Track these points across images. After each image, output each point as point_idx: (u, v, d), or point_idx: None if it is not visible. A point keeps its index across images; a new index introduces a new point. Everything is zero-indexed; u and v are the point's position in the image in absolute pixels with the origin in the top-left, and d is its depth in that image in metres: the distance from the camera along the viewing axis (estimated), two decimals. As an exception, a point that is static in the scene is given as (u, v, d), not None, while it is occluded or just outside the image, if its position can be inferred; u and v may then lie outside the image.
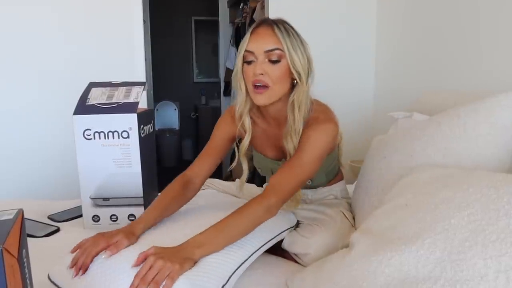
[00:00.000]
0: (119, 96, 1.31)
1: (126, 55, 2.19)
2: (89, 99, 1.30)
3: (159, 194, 1.16)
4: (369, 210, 1.13)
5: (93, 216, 1.31)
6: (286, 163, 1.10)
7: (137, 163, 1.27)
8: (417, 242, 0.74)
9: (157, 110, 5.14)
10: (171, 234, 0.98)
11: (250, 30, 1.09)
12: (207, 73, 5.54)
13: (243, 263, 0.94)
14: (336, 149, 1.30)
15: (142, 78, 2.24)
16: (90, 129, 1.24)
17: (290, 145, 1.11)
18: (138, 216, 1.07)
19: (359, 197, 1.26)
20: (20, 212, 0.71)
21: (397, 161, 1.13)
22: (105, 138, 1.24)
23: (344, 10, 2.46)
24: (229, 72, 3.99)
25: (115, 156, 1.26)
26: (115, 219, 1.31)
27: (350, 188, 1.46)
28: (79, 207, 1.48)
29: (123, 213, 1.30)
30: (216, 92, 5.03)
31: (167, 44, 5.19)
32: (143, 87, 1.36)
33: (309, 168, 1.07)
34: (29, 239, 0.83)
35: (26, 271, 0.70)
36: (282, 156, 1.22)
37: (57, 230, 1.29)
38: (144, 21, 2.25)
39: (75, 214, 1.41)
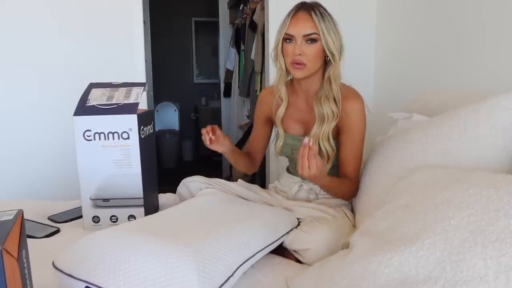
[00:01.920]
0: (119, 97, 1.31)
1: (126, 56, 2.19)
2: (89, 100, 1.30)
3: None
4: (370, 211, 1.13)
5: (93, 217, 1.31)
6: (348, 146, 1.27)
7: (137, 164, 1.27)
8: (417, 242, 0.74)
9: (157, 111, 5.14)
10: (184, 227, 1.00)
11: (290, 14, 1.23)
12: (207, 74, 5.54)
13: (248, 259, 0.95)
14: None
15: (142, 79, 2.23)
16: (90, 130, 1.24)
17: (326, 108, 1.26)
18: (138, 218, 1.11)
19: (360, 197, 1.26)
20: (20, 213, 0.71)
21: (397, 162, 1.13)
22: (105, 139, 1.25)
23: (343, 11, 2.45)
24: (229, 73, 3.99)
25: (115, 157, 1.26)
26: (115, 219, 1.31)
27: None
28: (79, 208, 1.48)
29: (123, 214, 1.30)
30: (216, 93, 5.03)
31: (167, 45, 5.20)
32: (143, 88, 1.37)
33: (362, 146, 1.29)
34: (29, 240, 0.83)
35: (26, 271, 0.70)
36: (303, 132, 1.35)
37: (57, 231, 1.29)
38: (144, 22, 2.25)
39: (75, 215, 1.41)
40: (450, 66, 1.83)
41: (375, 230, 0.88)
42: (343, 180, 1.27)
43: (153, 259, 0.81)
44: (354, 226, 1.24)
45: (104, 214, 1.30)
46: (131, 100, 1.30)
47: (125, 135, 1.25)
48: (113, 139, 1.25)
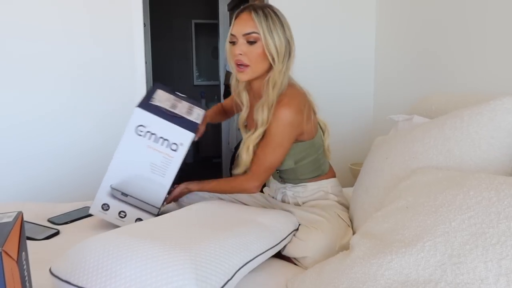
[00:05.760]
0: (182, 109, 1.31)
1: (127, 57, 2.19)
2: (154, 98, 1.29)
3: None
4: (369, 210, 1.13)
5: (104, 204, 1.28)
6: (258, 149, 1.26)
7: (171, 177, 1.27)
8: (418, 245, 0.74)
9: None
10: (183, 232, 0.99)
11: (235, 15, 1.24)
12: (207, 76, 5.54)
13: (248, 262, 0.94)
14: (313, 140, 1.31)
15: (143, 81, 2.24)
16: (145, 127, 1.23)
17: (259, 117, 1.24)
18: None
19: (359, 197, 1.25)
20: (20, 215, 0.71)
21: (399, 163, 1.12)
22: (154, 141, 1.24)
23: (344, 14, 2.47)
24: (229, 75, 3.97)
25: (154, 161, 1.25)
26: (123, 216, 1.29)
27: (350, 190, 1.45)
28: (79, 210, 1.49)
29: (133, 214, 1.29)
30: (216, 95, 5.03)
31: (167, 47, 5.20)
32: (204, 111, 1.38)
33: (273, 154, 1.25)
34: (28, 242, 0.83)
35: (26, 273, 0.70)
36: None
37: (57, 233, 1.29)
38: (145, 24, 2.25)
39: (75, 217, 1.41)
40: (450, 68, 1.83)
41: (375, 232, 0.88)
42: (232, 179, 1.33)
43: (150, 264, 0.80)
44: (349, 225, 1.25)
45: (116, 206, 1.28)
46: (192, 118, 1.29)
47: (174, 147, 1.24)
48: (161, 145, 1.24)
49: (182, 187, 1.37)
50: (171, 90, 1.39)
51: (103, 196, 1.28)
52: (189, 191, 1.38)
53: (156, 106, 1.26)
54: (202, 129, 1.36)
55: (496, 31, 1.57)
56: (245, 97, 1.34)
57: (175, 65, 5.37)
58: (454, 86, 1.80)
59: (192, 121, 1.28)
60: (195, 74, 5.54)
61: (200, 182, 1.37)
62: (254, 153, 1.27)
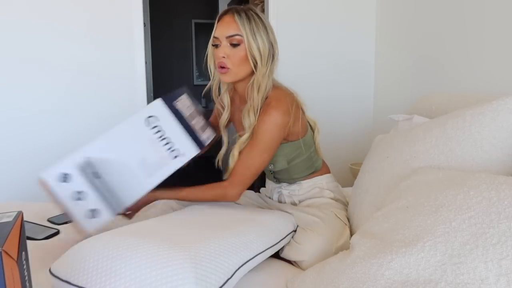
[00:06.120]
0: (197, 124, 1.25)
1: (127, 57, 2.19)
2: (178, 100, 1.22)
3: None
4: (369, 209, 1.13)
5: (65, 174, 1.05)
6: (242, 154, 1.22)
7: (154, 182, 1.15)
8: (418, 244, 0.74)
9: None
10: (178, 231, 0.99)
11: (217, 17, 1.24)
12: (207, 76, 5.52)
13: (248, 261, 0.94)
14: (304, 139, 1.31)
15: (142, 81, 2.24)
16: (158, 120, 1.14)
17: (246, 122, 1.23)
18: (97, 216, 1.07)
19: (359, 196, 1.25)
20: (20, 215, 0.71)
21: (399, 162, 1.12)
22: (159, 139, 1.15)
23: (344, 14, 2.47)
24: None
25: (147, 157, 1.13)
26: (78, 197, 1.06)
27: (350, 190, 1.45)
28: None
29: (91, 200, 1.07)
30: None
31: (167, 47, 5.20)
32: (214, 136, 1.32)
33: (260, 158, 1.21)
34: (28, 242, 0.83)
35: (26, 273, 0.70)
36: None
37: (57, 232, 1.29)
38: (145, 24, 2.25)
39: (74, 217, 1.41)
40: (450, 69, 1.83)
41: (375, 232, 0.88)
42: (209, 186, 1.22)
43: (149, 263, 0.80)
44: (347, 224, 1.24)
45: (77, 183, 1.05)
46: (204, 137, 1.24)
47: (175, 153, 1.17)
48: (164, 145, 1.15)
49: (148, 195, 1.18)
50: (195, 101, 1.31)
51: (68, 165, 1.05)
52: (156, 199, 1.25)
53: (177, 109, 1.19)
54: (203, 150, 1.29)
55: (495, 32, 1.57)
56: (226, 99, 1.34)
57: (175, 65, 5.37)
58: (454, 87, 1.80)
59: (202, 139, 1.23)
60: (195, 74, 5.54)
61: (170, 190, 1.24)
62: (238, 157, 1.23)
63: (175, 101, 1.20)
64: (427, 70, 1.99)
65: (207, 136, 1.27)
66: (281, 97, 1.23)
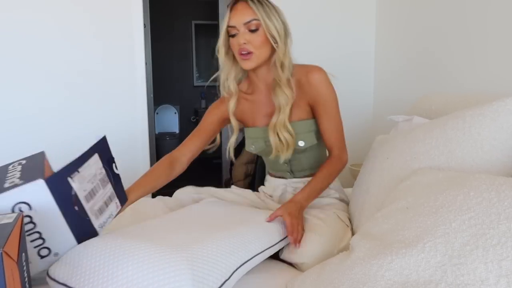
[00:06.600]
0: (98, 200, 0.95)
1: (127, 58, 2.19)
2: (77, 175, 0.91)
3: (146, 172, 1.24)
4: (369, 210, 1.13)
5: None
6: (323, 123, 1.29)
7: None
8: (418, 245, 0.74)
9: (157, 113, 5.14)
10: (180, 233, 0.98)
11: (229, 7, 1.25)
12: (207, 77, 5.54)
13: (246, 262, 0.94)
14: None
15: (143, 82, 2.24)
16: (30, 210, 0.82)
17: (280, 98, 1.26)
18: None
19: (359, 196, 1.25)
20: (20, 216, 0.71)
21: (400, 163, 1.12)
22: (26, 232, 0.83)
23: (343, 14, 2.47)
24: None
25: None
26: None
27: (350, 191, 1.45)
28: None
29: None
30: (216, 96, 5.03)
31: (167, 48, 5.20)
32: (118, 209, 1.05)
33: (338, 114, 1.32)
34: (28, 243, 0.82)
35: (26, 274, 0.70)
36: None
37: (57, 233, 1.28)
38: (145, 25, 2.26)
39: (74, 218, 1.39)
40: (450, 67, 1.83)
41: (375, 233, 0.88)
42: (322, 171, 1.26)
43: (146, 265, 0.80)
44: (348, 226, 1.23)
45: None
46: (99, 222, 0.96)
47: (44, 252, 0.88)
48: (31, 242, 0.85)
49: (296, 206, 1.13)
50: (110, 157, 1.02)
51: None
52: (303, 208, 1.19)
53: (71, 187, 0.87)
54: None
55: (496, 30, 1.57)
56: (233, 86, 1.37)
57: (175, 66, 5.37)
58: (454, 86, 1.80)
59: (95, 227, 0.94)
60: (195, 75, 5.54)
61: (304, 193, 1.20)
62: (322, 130, 1.30)
63: (72, 175, 0.89)
64: (427, 68, 1.99)
65: (107, 216, 0.99)
66: (311, 65, 1.30)
